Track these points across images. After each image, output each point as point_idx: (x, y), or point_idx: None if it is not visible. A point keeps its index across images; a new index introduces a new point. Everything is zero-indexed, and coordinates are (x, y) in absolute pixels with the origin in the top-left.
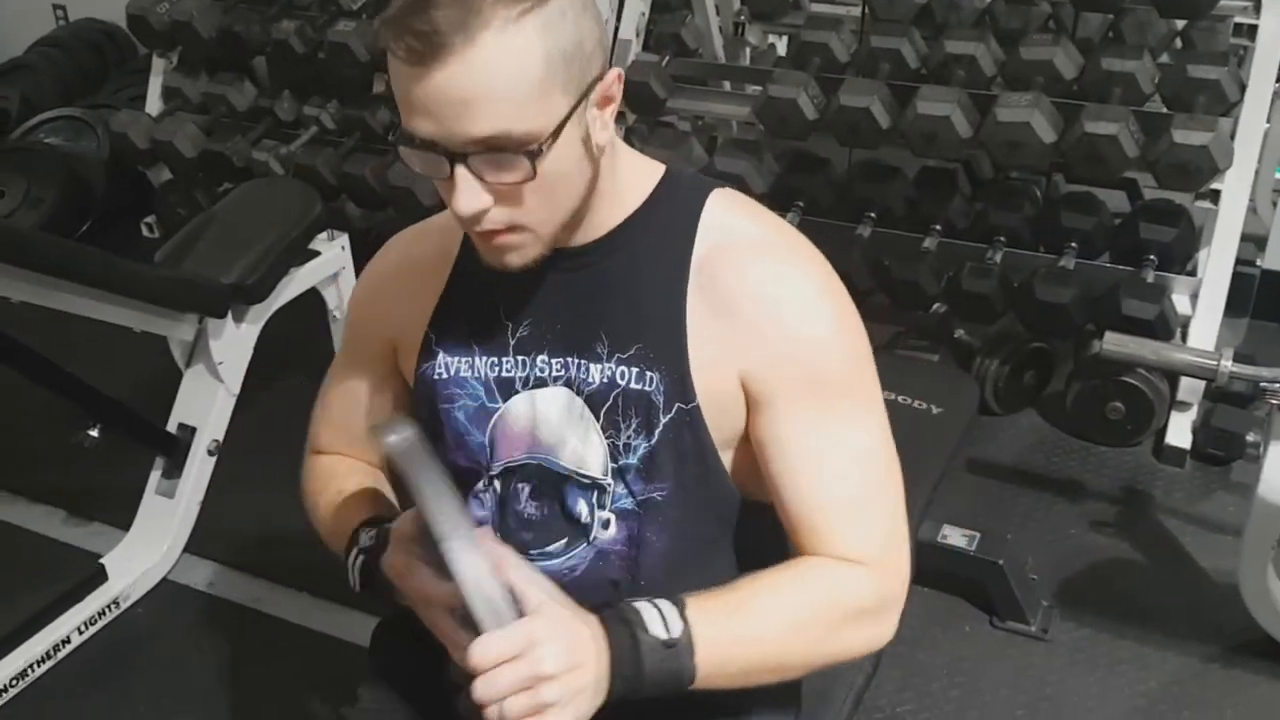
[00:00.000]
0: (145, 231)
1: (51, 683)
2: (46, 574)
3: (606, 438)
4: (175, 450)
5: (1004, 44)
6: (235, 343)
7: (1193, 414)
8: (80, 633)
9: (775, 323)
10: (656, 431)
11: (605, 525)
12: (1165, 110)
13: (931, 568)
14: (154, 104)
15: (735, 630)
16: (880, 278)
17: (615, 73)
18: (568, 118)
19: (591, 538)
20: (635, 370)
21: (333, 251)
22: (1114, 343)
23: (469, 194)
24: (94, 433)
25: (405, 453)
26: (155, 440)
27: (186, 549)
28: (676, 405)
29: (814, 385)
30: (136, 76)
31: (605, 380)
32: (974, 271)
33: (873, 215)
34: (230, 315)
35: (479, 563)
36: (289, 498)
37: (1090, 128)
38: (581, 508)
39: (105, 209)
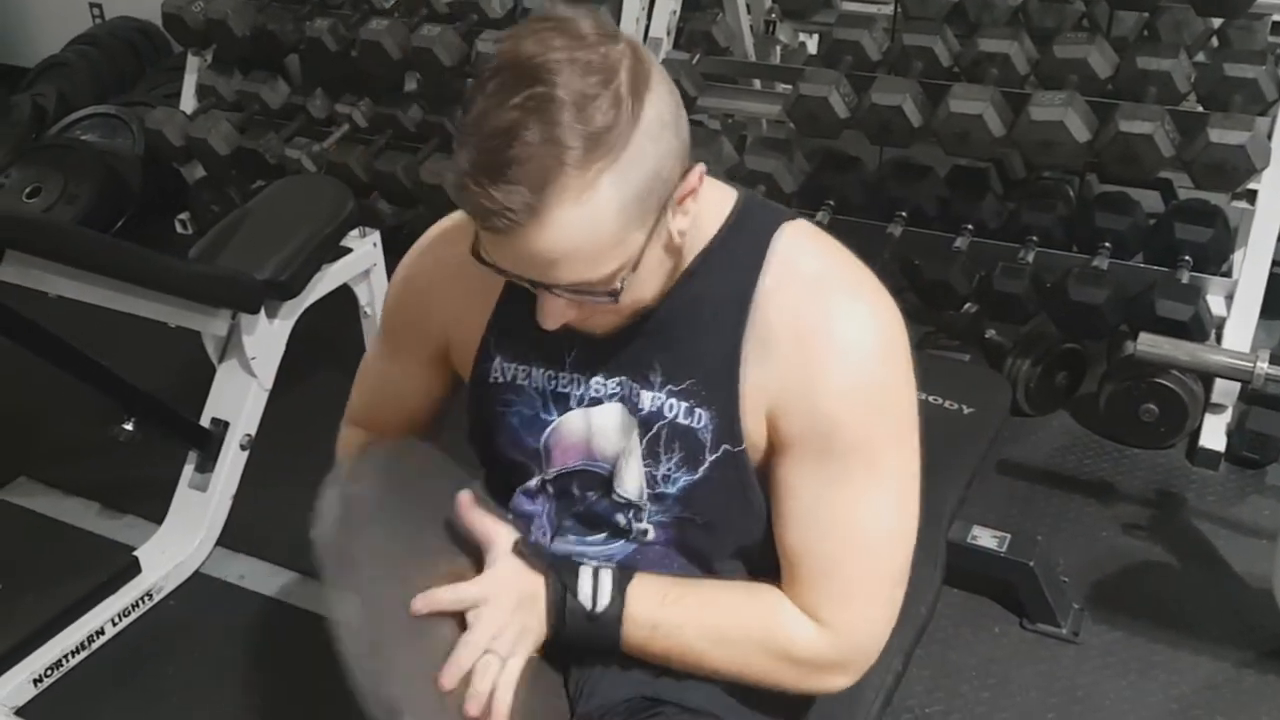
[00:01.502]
0: (179, 228)
1: (85, 673)
2: (81, 566)
3: (645, 465)
4: (208, 444)
5: (1038, 42)
6: (268, 338)
7: (1227, 416)
8: (114, 624)
9: (806, 368)
10: (701, 469)
11: (644, 533)
12: (1201, 109)
13: (962, 568)
14: (188, 101)
15: (661, 618)
16: (911, 277)
17: (698, 171)
18: (646, 244)
19: (631, 538)
20: (685, 405)
21: (365, 248)
22: (1148, 344)
23: (554, 313)
24: (128, 426)
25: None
26: (189, 434)
27: (219, 542)
28: (724, 447)
29: (827, 443)
30: (171, 74)
31: (654, 409)
32: (1006, 271)
33: (904, 214)
34: (264, 311)
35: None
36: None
37: (1125, 127)
38: (619, 518)
39: (140, 205)
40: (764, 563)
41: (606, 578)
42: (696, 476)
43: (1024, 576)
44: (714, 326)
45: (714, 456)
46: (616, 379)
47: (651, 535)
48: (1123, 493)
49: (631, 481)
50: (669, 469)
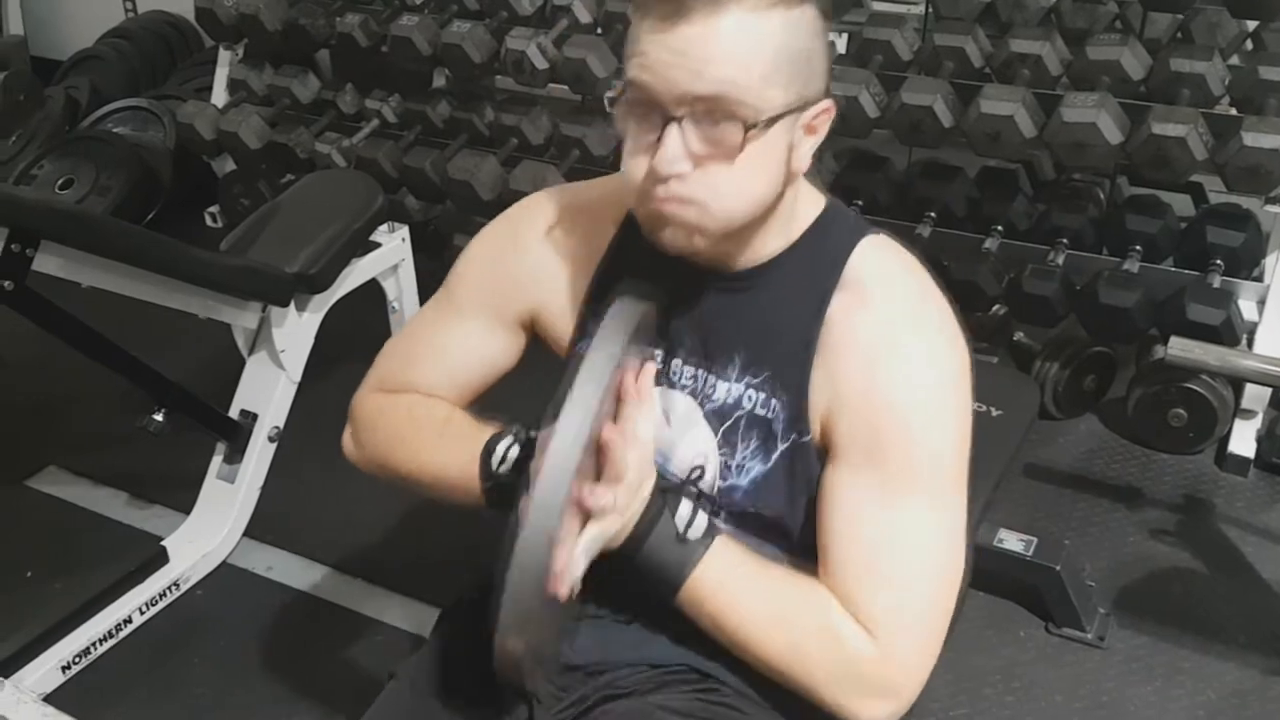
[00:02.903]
0: (209, 221)
1: (113, 661)
2: (109, 555)
3: (720, 455)
4: (237, 436)
5: (1070, 43)
6: (297, 331)
7: (1257, 422)
8: (141, 613)
9: (866, 378)
10: (773, 458)
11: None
12: (1235, 112)
13: (987, 572)
14: (219, 95)
15: (731, 578)
16: (940, 278)
17: (828, 103)
18: (782, 115)
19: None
20: (762, 396)
21: (393, 243)
22: (1179, 348)
23: (674, 151)
24: (159, 417)
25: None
26: (218, 426)
27: (246, 533)
28: (793, 436)
29: (877, 457)
30: (203, 68)
31: (731, 400)
32: (1035, 273)
33: (933, 215)
34: (293, 304)
35: (573, 439)
36: (348, 485)
37: (1158, 129)
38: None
39: (171, 198)
40: (805, 567)
41: (703, 516)
42: (767, 467)
43: (1050, 580)
44: (792, 323)
45: (784, 446)
46: (691, 370)
47: (720, 520)
48: (1150, 498)
49: (677, 466)
50: (743, 458)
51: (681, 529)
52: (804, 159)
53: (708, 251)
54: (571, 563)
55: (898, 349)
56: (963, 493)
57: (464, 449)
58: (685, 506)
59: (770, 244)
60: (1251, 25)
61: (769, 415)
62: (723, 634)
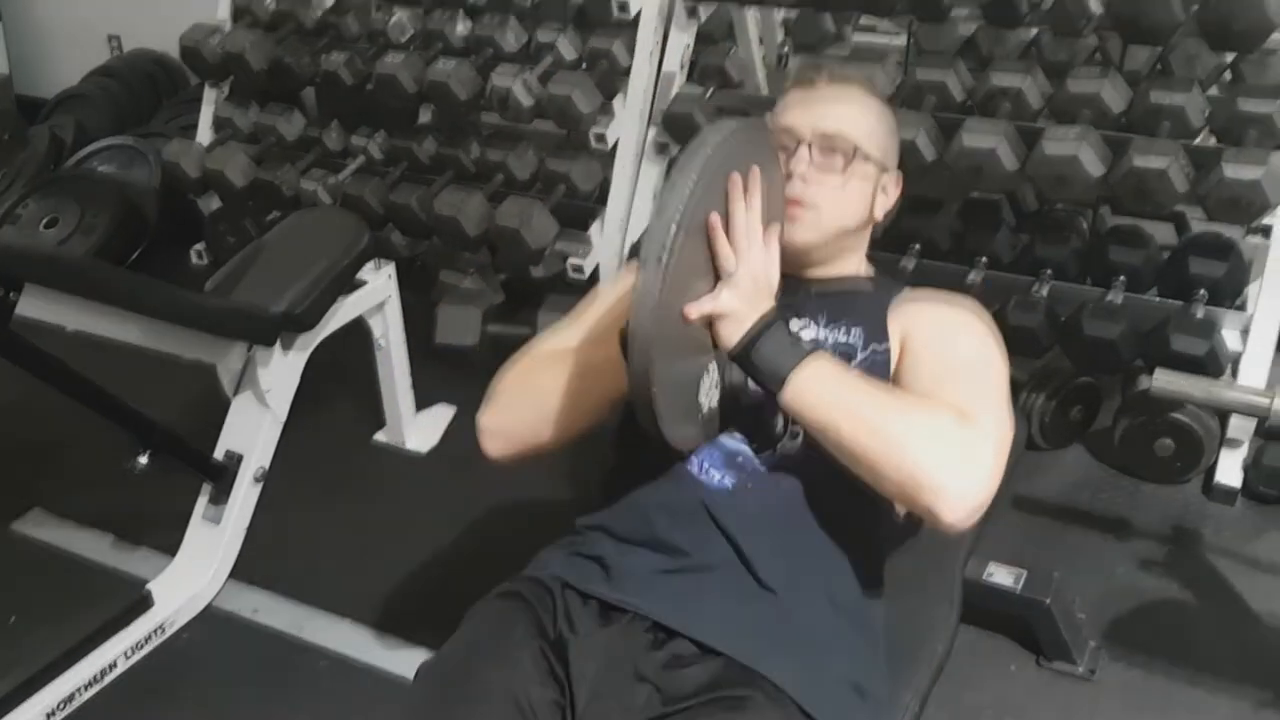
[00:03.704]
0: (194, 259)
1: (97, 708)
2: (94, 599)
3: None
4: (222, 477)
5: (1050, 76)
6: (283, 370)
7: (1244, 452)
8: (126, 658)
9: (934, 309)
10: (853, 364)
11: (795, 439)
12: (1215, 144)
13: (977, 606)
14: (205, 133)
15: (838, 373)
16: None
17: (899, 175)
18: (871, 161)
19: (778, 447)
20: (841, 329)
21: (380, 280)
22: (1164, 380)
23: (802, 158)
24: (143, 459)
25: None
26: (203, 467)
27: (232, 575)
28: (872, 346)
29: (944, 331)
30: (188, 106)
31: (814, 340)
32: (1020, 305)
33: (917, 247)
34: (279, 343)
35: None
36: (334, 525)
37: (1139, 162)
38: (778, 426)
39: (156, 236)
40: (865, 498)
41: (808, 335)
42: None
43: (1040, 614)
44: (865, 302)
45: (863, 355)
46: (789, 319)
47: (798, 440)
48: (1139, 528)
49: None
50: None
51: (794, 333)
52: (881, 210)
53: (816, 255)
54: (700, 301)
55: (952, 306)
56: (1004, 380)
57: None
58: (795, 324)
59: (850, 267)
60: (1229, 57)
61: (849, 340)
62: (832, 411)
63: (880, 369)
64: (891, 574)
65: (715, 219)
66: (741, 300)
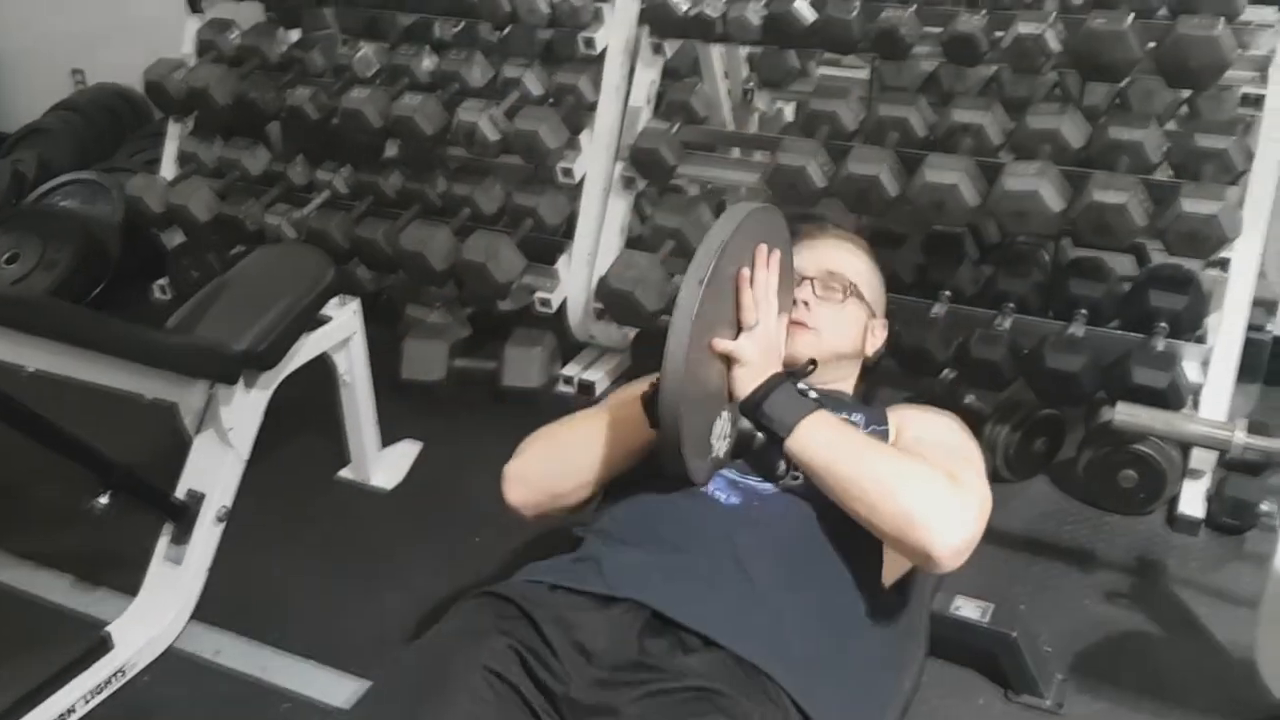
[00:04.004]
0: (158, 294)
1: None
2: (52, 641)
3: None
4: (184, 517)
5: (1011, 112)
6: (246, 409)
7: (1206, 483)
8: (85, 702)
9: (922, 413)
10: None
11: (794, 479)
12: (1173, 179)
13: (944, 639)
14: (169, 168)
15: (842, 427)
16: (889, 344)
17: (885, 322)
18: (864, 301)
19: (780, 481)
20: (844, 413)
21: (344, 316)
22: (1126, 413)
23: (807, 292)
24: (104, 500)
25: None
26: (164, 506)
27: (193, 616)
28: (872, 426)
29: (932, 426)
30: (152, 141)
31: (819, 403)
32: (983, 338)
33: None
34: (241, 381)
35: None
36: (297, 564)
37: (1099, 196)
38: (780, 465)
39: (119, 271)
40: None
41: (813, 397)
42: None
43: (1007, 647)
44: (861, 403)
45: (865, 431)
46: None
47: (799, 483)
48: (1103, 560)
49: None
50: None
51: (798, 388)
52: (871, 348)
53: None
54: (725, 341)
55: (939, 412)
56: (983, 473)
57: (620, 404)
58: (802, 384)
59: (843, 388)
60: (1186, 93)
61: (851, 419)
62: (835, 455)
63: (881, 439)
64: None
65: (745, 273)
66: (758, 351)
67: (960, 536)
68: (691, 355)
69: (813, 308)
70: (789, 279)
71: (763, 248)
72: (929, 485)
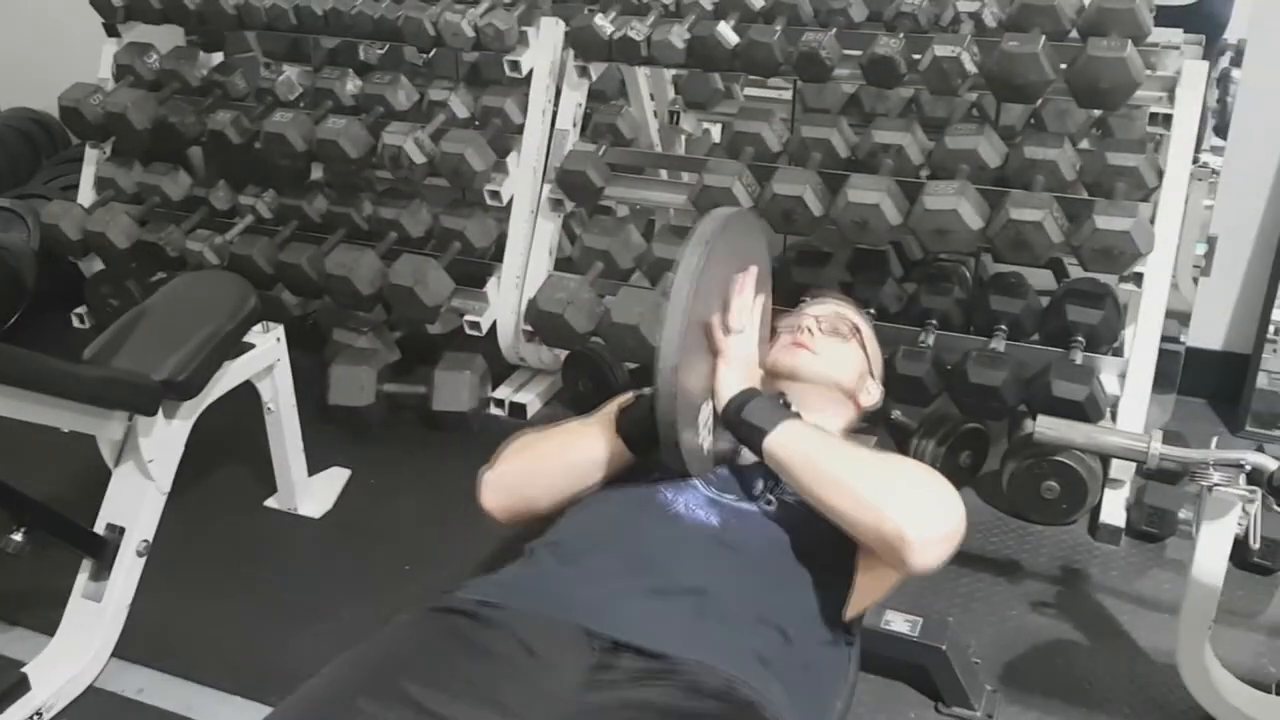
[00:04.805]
0: (76, 322)
1: None
2: None
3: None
4: (103, 552)
5: (930, 133)
6: (166, 440)
7: (1126, 492)
8: None
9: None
10: None
11: (770, 502)
12: (1087, 196)
13: (876, 654)
14: (86, 194)
15: (819, 434)
16: None
17: (880, 385)
18: (864, 352)
19: (759, 500)
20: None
21: (268, 344)
22: (1046, 426)
23: (812, 321)
24: (18, 537)
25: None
26: (82, 542)
27: (115, 654)
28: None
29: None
30: (69, 166)
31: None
32: (907, 354)
33: (806, 300)
34: (161, 412)
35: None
36: (223, 597)
37: (1015, 214)
38: (759, 484)
39: (35, 300)
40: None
41: (793, 413)
42: None
43: (937, 660)
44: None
45: None
46: None
47: (774, 507)
48: (1029, 570)
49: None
50: None
51: (777, 401)
52: (865, 401)
53: (810, 396)
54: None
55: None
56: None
57: (596, 419)
58: (781, 399)
59: (831, 425)
60: (1098, 113)
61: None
62: (815, 453)
63: None
64: None
65: (738, 277)
66: (742, 354)
67: (939, 530)
68: (688, 330)
69: (816, 335)
70: (767, 304)
71: (754, 269)
72: (912, 480)
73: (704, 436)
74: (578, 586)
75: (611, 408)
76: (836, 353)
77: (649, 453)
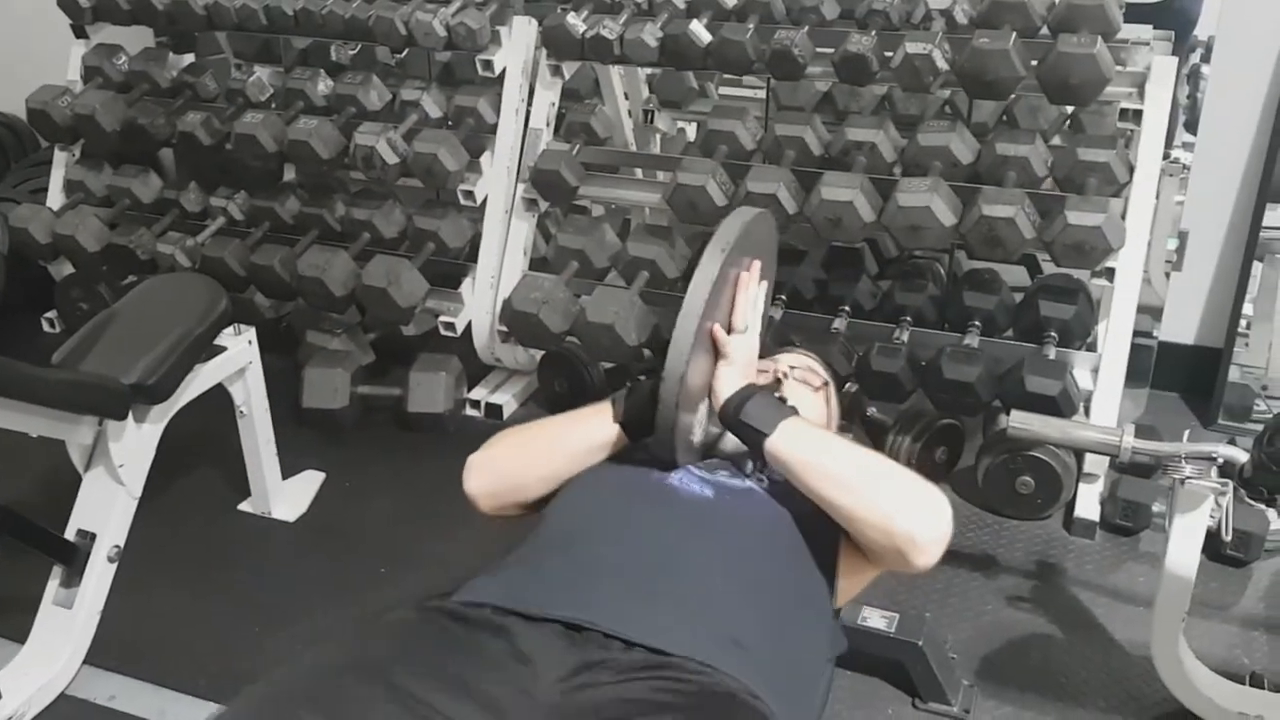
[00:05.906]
0: (46, 327)
1: None
2: None
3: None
4: (74, 558)
5: (903, 130)
6: (137, 444)
7: (1100, 486)
8: None
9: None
10: None
11: (761, 480)
12: (1059, 192)
13: (853, 650)
14: (56, 197)
15: (820, 431)
16: None
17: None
18: (829, 406)
19: (751, 476)
20: None
21: (239, 346)
22: (1020, 422)
23: (785, 368)
24: None
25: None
26: (53, 548)
27: (87, 660)
28: None
29: None
30: (38, 169)
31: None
32: (882, 351)
33: (783, 298)
34: (131, 416)
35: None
36: (196, 602)
37: (988, 210)
38: (749, 464)
39: (4, 304)
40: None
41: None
42: None
43: (914, 656)
44: None
45: None
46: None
47: (766, 484)
48: (1005, 565)
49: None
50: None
51: (777, 398)
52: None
53: None
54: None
55: None
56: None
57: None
58: (777, 393)
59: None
60: (1069, 109)
61: None
62: (821, 452)
63: None
64: None
65: (744, 276)
66: (743, 355)
67: (940, 528)
68: (702, 319)
69: (788, 381)
70: (770, 290)
71: (756, 264)
72: (911, 478)
73: (698, 433)
74: (566, 582)
75: (604, 403)
76: (805, 400)
77: (646, 438)
